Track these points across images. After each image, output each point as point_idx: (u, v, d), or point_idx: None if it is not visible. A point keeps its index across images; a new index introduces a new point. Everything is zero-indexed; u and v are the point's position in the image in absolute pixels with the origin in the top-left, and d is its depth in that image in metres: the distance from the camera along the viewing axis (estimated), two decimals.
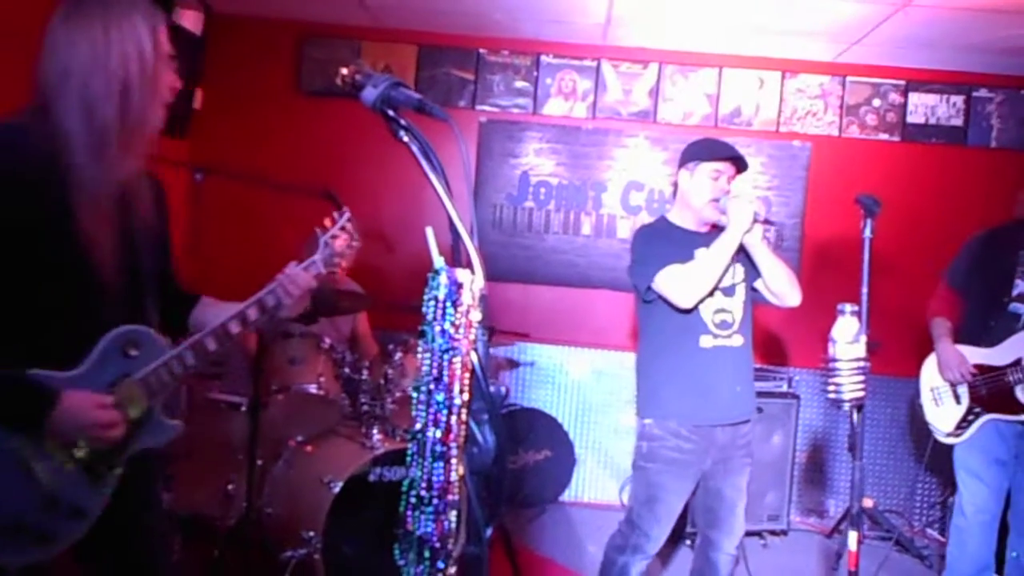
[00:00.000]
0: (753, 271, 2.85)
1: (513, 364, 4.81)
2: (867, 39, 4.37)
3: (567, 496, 4.73)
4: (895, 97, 4.83)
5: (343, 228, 2.01)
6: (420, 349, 1.18)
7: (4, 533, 1.55)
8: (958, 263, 3.49)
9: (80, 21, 1.56)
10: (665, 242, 2.82)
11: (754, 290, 2.88)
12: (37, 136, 1.55)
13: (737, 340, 2.80)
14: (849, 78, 4.83)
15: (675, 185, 2.93)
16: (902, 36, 4.27)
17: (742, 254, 2.81)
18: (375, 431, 3.33)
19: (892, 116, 4.83)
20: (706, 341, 2.74)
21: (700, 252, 2.76)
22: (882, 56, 4.65)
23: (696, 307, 2.72)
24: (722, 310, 2.78)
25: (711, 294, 2.74)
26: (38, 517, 1.58)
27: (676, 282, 2.69)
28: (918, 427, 4.62)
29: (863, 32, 4.28)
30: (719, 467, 2.80)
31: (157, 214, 1.80)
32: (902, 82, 4.82)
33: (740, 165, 2.83)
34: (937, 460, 3.74)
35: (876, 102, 4.83)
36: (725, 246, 2.68)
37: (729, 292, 2.81)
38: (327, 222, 2.01)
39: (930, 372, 3.43)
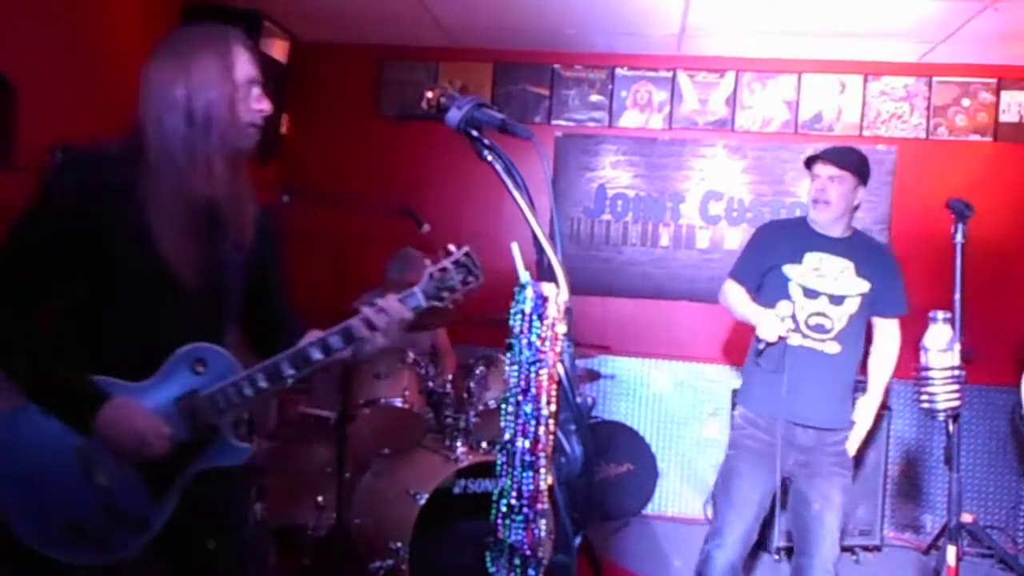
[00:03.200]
0: (880, 299, 2.87)
1: (594, 376, 4.80)
2: (954, 37, 4.22)
3: (650, 509, 4.69)
4: (986, 96, 4.65)
5: (457, 262, 1.81)
6: (508, 362, 1.21)
7: (63, 532, 1.63)
8: None
9: (158, 60, 1.69)
10: (777, 238, 2.98)
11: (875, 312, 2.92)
12: (122, 159, 1.66)
13: (832, 347, 2.82)
14: (936, 78, 4.67)
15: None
16: (992, 32, 4.12)
17: (867, 273, 2.86)
18: (459, 444, 3.40)
19: (983, 116, 4.65)
20: (795, 339, 2.79)
21: (809, 257, 2.85)
22: (971, 54, 4.48)
23: (792, 304, 2.82)
24: (820, 314, 2.82)
25: (814, 297, 2.82)
26: (97, 522, 1.65)
27: (724, 298, 3.04)
28: (1019, 440, 4.42)
29: (950, 30, 4.14)
30: (802, 470, 2.82)
31: (260, 241, 1.85)
32: (993, 80, 4.63)
33: (833, 160, 2.85)
34: None
35: (966, 102, 4.66)
36: (746, 316, 2.89)
37: (837, 301, 2.83)
38: (441, 252, 1.83)
39: None
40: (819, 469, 2.79)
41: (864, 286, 2.84)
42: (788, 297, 2.83)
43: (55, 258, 1.63)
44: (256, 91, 1.75)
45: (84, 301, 1.67)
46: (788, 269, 2.87)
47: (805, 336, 2.81)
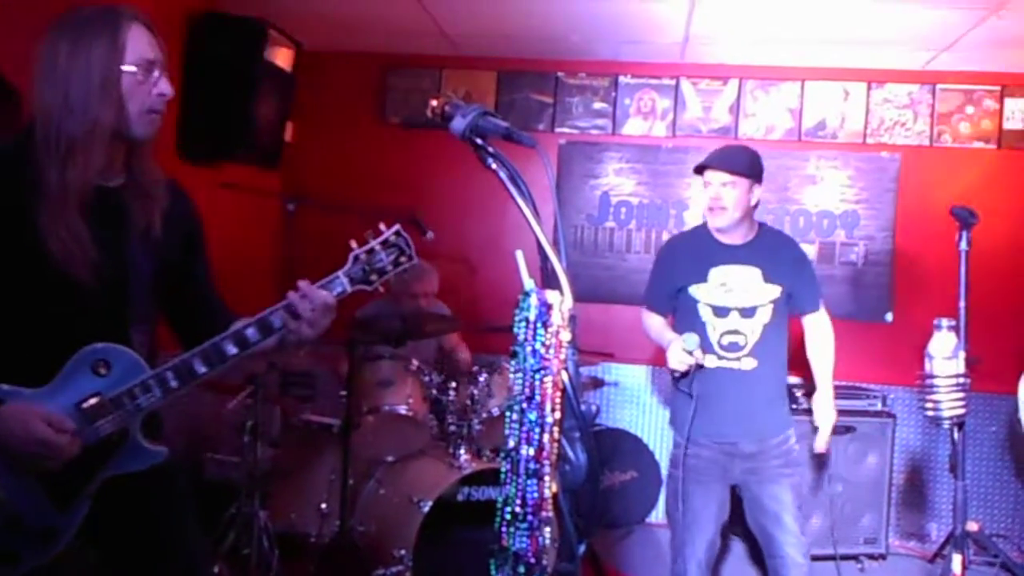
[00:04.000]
0: (796, 298, 2.85)
1: (597, 384, 4.80)
2: (958, 45, 4.23)
3: (654, 517, 4.67)
4: (990, 103, 4.65)
5: (386, 242, 1.74)
6: (512, 369, 1.21)
7: None
8: None
9: (44, 45, 1.60)
10: (679, 258, 2.93)
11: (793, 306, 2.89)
12: (15, 151, 1.58)
13: (748, 363, 2.78)
14: (940, 86, 4.67)
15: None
16: (996, 40, 4.12)
17: (775, 277, 2.81)
18: (462, 451, 3.41)
19: (987, 123, 4.65)
20: (710, 361, 2.76)
21: (714, 272, 2.79)
22: (974, 62, 4.48)
23: (704, 325, 2.79)
24: (733, 331, 2.78)
25: (724, 315, 2.78)
26: (1, 538, 1.54)
27: (646, 328, 2.99)
28: (1019, 447, 4.40)
29: (953, 38, 4.14)
30: (751, 477, 2.81)
31: (175, 229, 1.75)
32: (997, 87, 4.63)
33: (719, 165, 2.79)
34: None
35: (969, 109, 4.66)
36: (662, 344, 2.85)
37: (748, 313, 2.78)
38: (370, 233, 1.75)
39: None
40: (767, 474, 2.79)
41: (774, 292, 2.80)
42: (699, 318, 2.80)
43: None
44: (155, 74, 1.62)
45: None
46: (694, 290, 2.82)
47: (720, 357, 2.78)
